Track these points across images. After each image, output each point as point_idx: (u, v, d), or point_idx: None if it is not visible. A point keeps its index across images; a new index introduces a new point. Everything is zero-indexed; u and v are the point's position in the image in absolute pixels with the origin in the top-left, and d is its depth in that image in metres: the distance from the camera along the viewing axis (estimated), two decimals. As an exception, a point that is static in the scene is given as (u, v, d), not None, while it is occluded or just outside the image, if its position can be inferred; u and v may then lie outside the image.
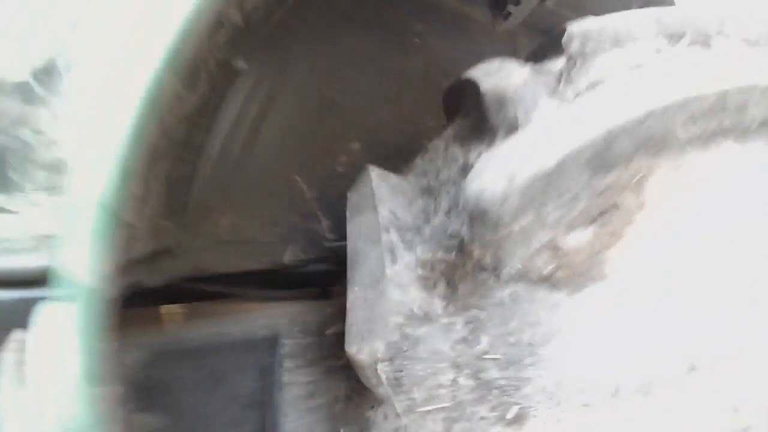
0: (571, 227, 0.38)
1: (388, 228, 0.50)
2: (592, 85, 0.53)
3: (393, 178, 0.65)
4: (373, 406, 0.47)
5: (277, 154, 0.85)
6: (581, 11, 1.39)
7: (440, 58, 1.23)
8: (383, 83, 1.13)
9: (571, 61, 0.60)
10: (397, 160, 0.92)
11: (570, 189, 0.37)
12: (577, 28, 0.62)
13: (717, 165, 0.41)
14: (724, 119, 0.42)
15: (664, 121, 0.39)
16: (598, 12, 1.42)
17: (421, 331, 0.42)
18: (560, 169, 0.37)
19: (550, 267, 0.37)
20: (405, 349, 0.41)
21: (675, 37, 0.63)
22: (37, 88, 0.61)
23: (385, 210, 0.53)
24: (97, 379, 0.38)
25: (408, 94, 1.12)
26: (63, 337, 0.40)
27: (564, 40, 0.62)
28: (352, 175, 0.84)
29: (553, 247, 0.38)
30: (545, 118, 0.43)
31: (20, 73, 0.60)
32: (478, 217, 0.38)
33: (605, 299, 0.37)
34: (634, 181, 0.38)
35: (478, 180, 0.39)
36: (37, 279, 0.44)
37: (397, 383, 0.41)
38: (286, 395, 0.56)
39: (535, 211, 0.37)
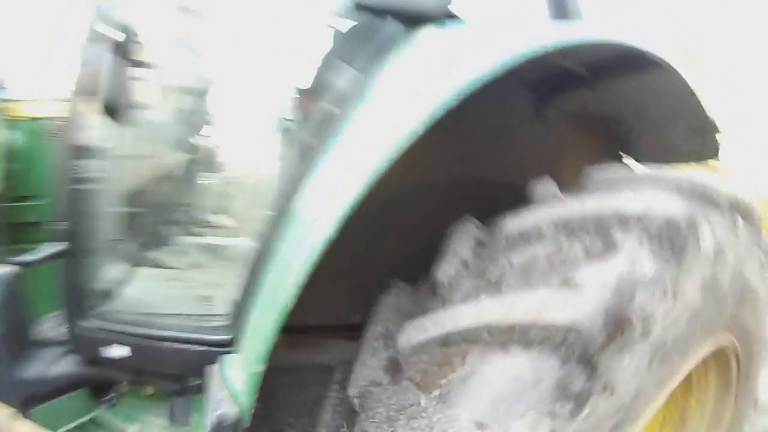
0: (429, 366, 1.00)
1: (378, 338, 1.16)
2: (497, 280, 1.11)
3: (403, 299, 1.29)
4: (360, 415, 1.15)
5: (348, 252, 1.52)
6: (622, 101, 1.76)
7: (489, 163, 1.73)
8: (434, 196, 1.71)
9: (495, 254, 1.17)
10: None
11: (429, 351, 1.00)
12: (507, 227, 1.18)
13: (504, 355, 0.98)
14: (512, 336, 0.98)
15: (477, 332, 0.98)
16: (636, 101, 1.77)
17: (375, 389, 1.08)
18: (426, 342, 1.00)
19: (417, 380, 1.00)
20: (366, 395, 1.08)
21: (573, 236, 1.14)
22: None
23: (382, 327, 1.19)
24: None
25: (451, 203, 1.68)
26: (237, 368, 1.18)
27: (498, 236, 1.19)
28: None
29: (421, 371, 1.00)
30: (449, 311, 1.05)
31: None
32: (398, 353, 1.03)
33: (434, 400, 0.99)
34: (460, 353, 0.99)
35: (402, 335, 1.04)
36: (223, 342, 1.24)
37: (362, 408, 1.09)
38: (329, 402, 1.27)
39: (416, 356, 1.01)
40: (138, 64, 1.45)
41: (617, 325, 0.90)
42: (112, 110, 1.40)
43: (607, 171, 1.35)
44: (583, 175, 1.37)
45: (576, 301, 0.94)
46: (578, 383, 0.89)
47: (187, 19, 2.01)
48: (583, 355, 0.89)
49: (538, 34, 1.36)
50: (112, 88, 1.37)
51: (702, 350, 1.25)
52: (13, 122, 2.26)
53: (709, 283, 1.14)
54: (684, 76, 1.61)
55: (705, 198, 1.22)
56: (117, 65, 1.39)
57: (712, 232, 1.17)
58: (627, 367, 0.93)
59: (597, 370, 0.89)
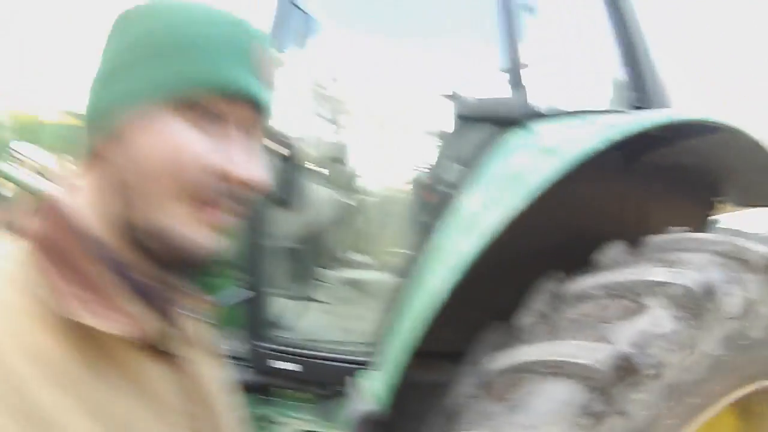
0: (504, 385, 1.63)
1: (475, 363, 1.80)
2: (556, 328, 1.70)
3: (497, 336, 1.91)
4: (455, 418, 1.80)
5: (465, 298, 2.19)
6: (704, 156, 2.19)
7: (585, 220, 2.25)
8: (534, 251, 2.29)
9: (560, 308, 1.76)
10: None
11: (504, 375, 1.61)
12: (569, 288, 1.76)
13: (551, 382, 1.57)
14: (556, 369, 1.57)
15: (535, 365, 1.58)
16: (715, 155, 2.23)
17: (468, 400, 1.73)
18: (503, 369, 1.63)
19: (495, 394, 1.62)
20: (461, 404, 1.73)
21: (618, 297, 1.68)
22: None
23: (479, 356, 1.82)
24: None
25: (549, 257, 2.26)
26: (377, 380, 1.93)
27: (563, 294, 1.78)
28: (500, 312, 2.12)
29: (498, 389, 1.63)
30: (521, 348, 1.66)
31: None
32: (486, 375, 1.69)
33: (504, 408, 1.60)
34: (523, 378, 1.59)
35: (489, 362, 1.69)
36: (368, 361, 1.98)
37: (458, 413, 1.74)
38: (437, 408, 1.95)
39: (496, 378, 1.64)
40: (300, 162, 2.27)
41: (624, 368, 1.47)
42: (282, 203, 2.24)
43: (664, 236, 1.87)
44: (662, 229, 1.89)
45: (600, 348, 1.52)
46: (597, 406, 1.46)
47: (329, 98, 2.86)
48: (599, 387, 1.47)
49: (604, 131, 1.92)
50: (280, 187, 2.20)
51: (738, 393, 1.72)
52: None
53: (735, 337, 1.64)
54: (756, 138, 2.05)
55: (740, 260, 1.70)
56: (283, 170, 2.22)
57: (742, 291, 1.66)
58: (639, 400, 1.49)
59: (611, 398, 1.46)
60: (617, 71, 2.36)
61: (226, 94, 0.67)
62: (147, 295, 0.70)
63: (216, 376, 0.86)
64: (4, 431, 0.54)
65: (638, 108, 2.31)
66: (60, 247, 0.65)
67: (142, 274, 0.70)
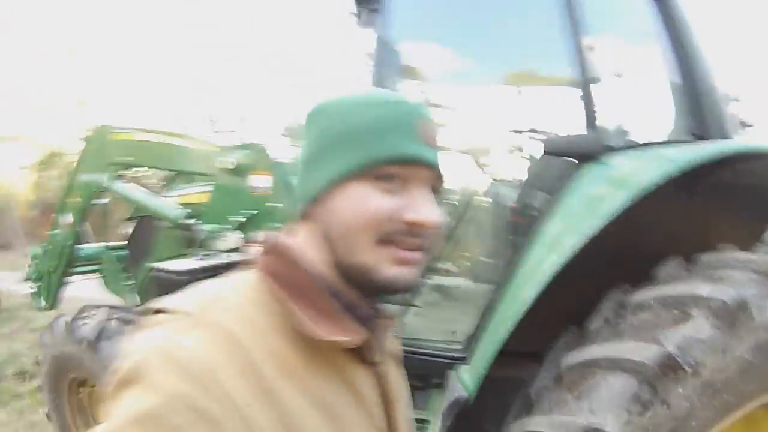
0: (575, 378, 2.23)
1: (553, 361, 2.38)
2: (620, 332, 2.28)
3: (572, 338, 2.49)
4: (534, 406, 2.42)
5: (544, 305, 2.75)
6: (759, 177, 2.67)
7: (650, 237, 2.78)
8: (608, 265, 2.83)
9: (619, 313, 2.34)
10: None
11: (575, 370, 2.22)
12: (632, 299, 2.33)
13: (611, 375, 2.16)
14: (615, 364, 2.15)
15: (599, 361, 2.18)
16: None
17: (545, 391, 2.31)
18: (574, 365, 2.24)
19: (568, 386, 2.20)
20: (539, 394, 2.33)
21: (670, 307, 2.24)
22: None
23: (555, 354, 2.38)
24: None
25: (621, 271, 2.79)
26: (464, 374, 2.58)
27: (629, 304, 2.35)
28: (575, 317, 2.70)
29: (570, 381, 2.23)
30: (589, 348, 2.25)
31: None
32: (561, 370, 2.29)
33: (574, 398, 2.20)
34: (591, 372, 2.19)
35: (564, 359, 2.28)
36: (460, 357, 2.63)
37: (536, 402, 2.32)
38: (518, 400, 2.54)
39: (568, 373, 2.25)
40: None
41: (668, 365, 2.03)
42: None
43: (714, 254, 2.41)
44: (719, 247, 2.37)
45: (651, 348, 2.10)
46: (645, 396, 2.00)
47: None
48: (647, 380, 2.03)
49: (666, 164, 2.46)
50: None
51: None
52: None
53: (766, 345, 2.17)
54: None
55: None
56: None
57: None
58: (680, 393, 2.02)
59: (656, 390, 2.02)
60: (679, 102, 2.87)
61: (402, 163, 0.85)
62: (357, 314, 0.89)
63: (400, 378, 1.09)
64: (251, 409, 0.73)
65: (698, 136, 2.82)
66: (294, 280, 0.86)
67: (351, 298, 0.90)
